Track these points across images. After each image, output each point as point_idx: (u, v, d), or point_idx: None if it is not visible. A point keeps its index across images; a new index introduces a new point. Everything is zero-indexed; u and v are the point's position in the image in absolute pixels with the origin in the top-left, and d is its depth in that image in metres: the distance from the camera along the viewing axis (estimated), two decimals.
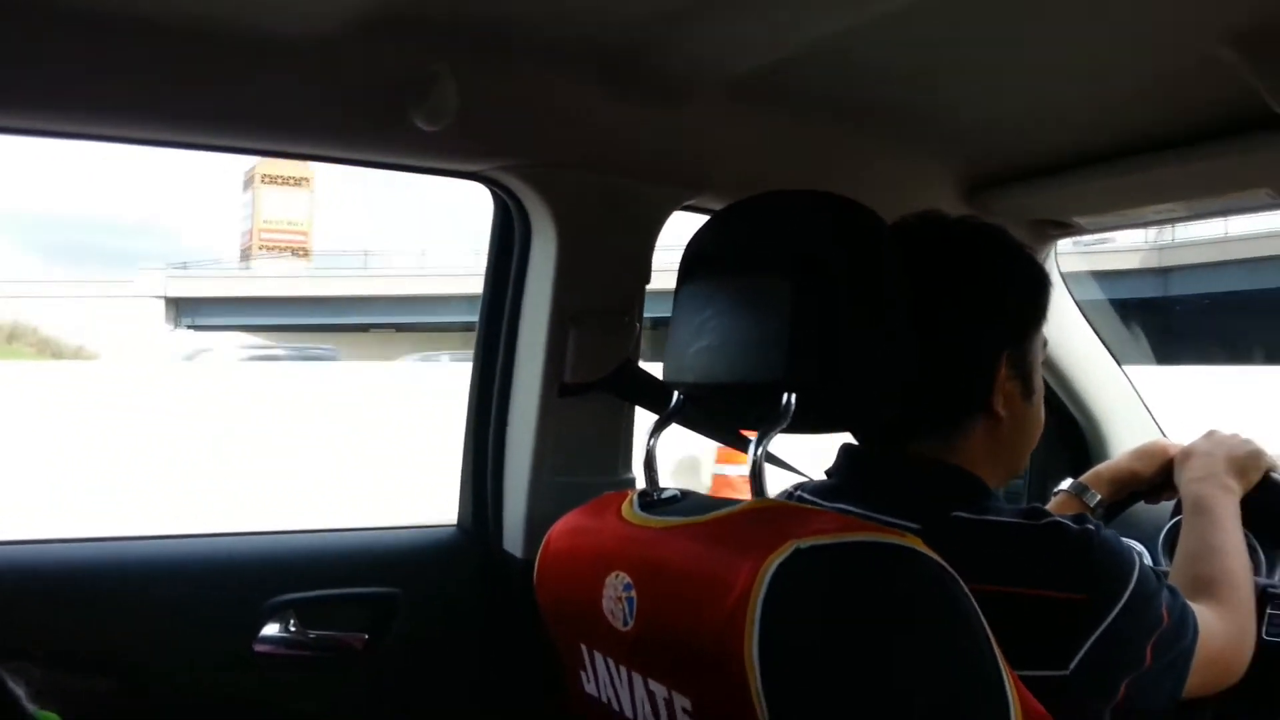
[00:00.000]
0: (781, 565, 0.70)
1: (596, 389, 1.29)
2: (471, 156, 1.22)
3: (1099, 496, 1.31)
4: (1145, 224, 1.40)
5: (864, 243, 0.87)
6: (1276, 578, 1.39)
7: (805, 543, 0.71)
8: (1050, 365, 1.72)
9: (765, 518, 0.79)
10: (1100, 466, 1.37)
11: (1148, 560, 1.50)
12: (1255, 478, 1.24)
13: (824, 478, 1.03)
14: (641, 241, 1.30)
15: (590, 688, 0.93)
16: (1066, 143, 1.26)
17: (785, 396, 0.82)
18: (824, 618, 0.70)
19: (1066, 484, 1.37)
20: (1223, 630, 0.98)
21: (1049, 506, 1.33)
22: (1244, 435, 1.30)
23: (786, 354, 0.82)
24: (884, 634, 0.71)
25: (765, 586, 0.69)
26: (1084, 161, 1.27)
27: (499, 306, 1.36)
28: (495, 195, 1.33)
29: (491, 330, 1.37)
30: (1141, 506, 1.42)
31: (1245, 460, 1.24)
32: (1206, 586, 1.05)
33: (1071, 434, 1.82)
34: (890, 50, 1.08)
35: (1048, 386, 1.75)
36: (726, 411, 1.04)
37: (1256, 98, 0.96)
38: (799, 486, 1.05)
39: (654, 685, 0.82)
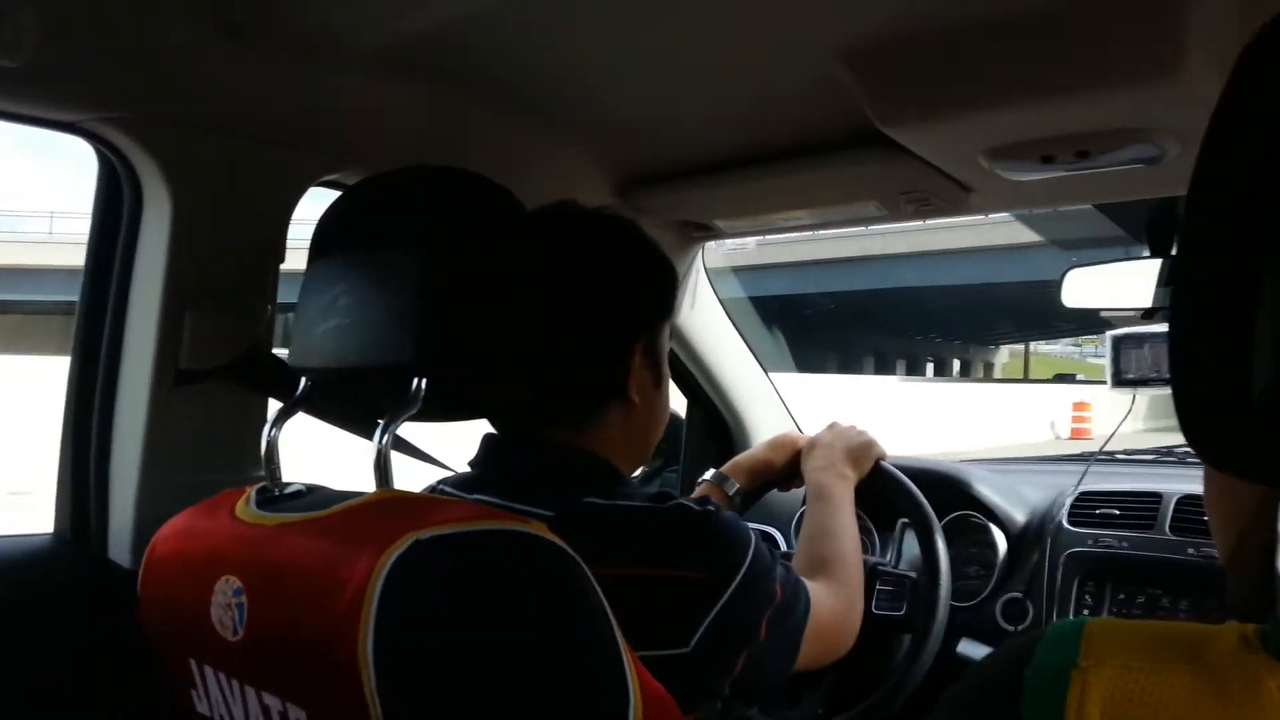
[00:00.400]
0: (399, 558, 0.66)
1: (218, 376, 1.16)
2: (62, 103, 1.04)
3: (737, 485, 1.39)
4: (777, 230, 1.50)
5: (498, 225, 0.85)
6: (888, 557, 1.53)
7: (425, 534, 0.67)
8: (700, 363, 1.81)
9: (388, 510, 0.75)
10: (739, 457, 1.45)
11: (783, 543, 1.61)
12: (868, 466, 1.36)
13: (469, 470, 1.00)
14: (275, 216, 1.19)
15: (202, 707, 0.84)
16: (704, 147, 1.31)
17: (415, 381, 0.78)
18: (439, 609, 0.67)
19: (709, 474, 1.43)
20: (833, 605, 1.06)
21: (694, 496, 1.38)
22: (859, 427, 1.43)
23: (416, 336, 0.78)
24: (500, 623, 0.68)
25: (381, 582, 0.65)
26: (720, 167, 1.33)
27: (104, 283, 1.18)
28: (100, 153, 1.16)
29: (95, 310, 1.18)
30: (777, 494, 1.52)
31: (859, 450, 1.36)
32: (822, 565, 1.13)
33: (719, 428, 1.91)
34: (542, 36, 1.06)
35: (698, 383, 1.85)
36: (358, 398, 0.98)
37: (866, 114, 1.04)
38: (444, 480, 1.02)
39: (268, 698, 0.76)
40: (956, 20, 0.89)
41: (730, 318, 1.85)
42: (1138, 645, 0.37)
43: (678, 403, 1.99)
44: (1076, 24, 0.84)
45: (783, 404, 1.95)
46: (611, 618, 0.71)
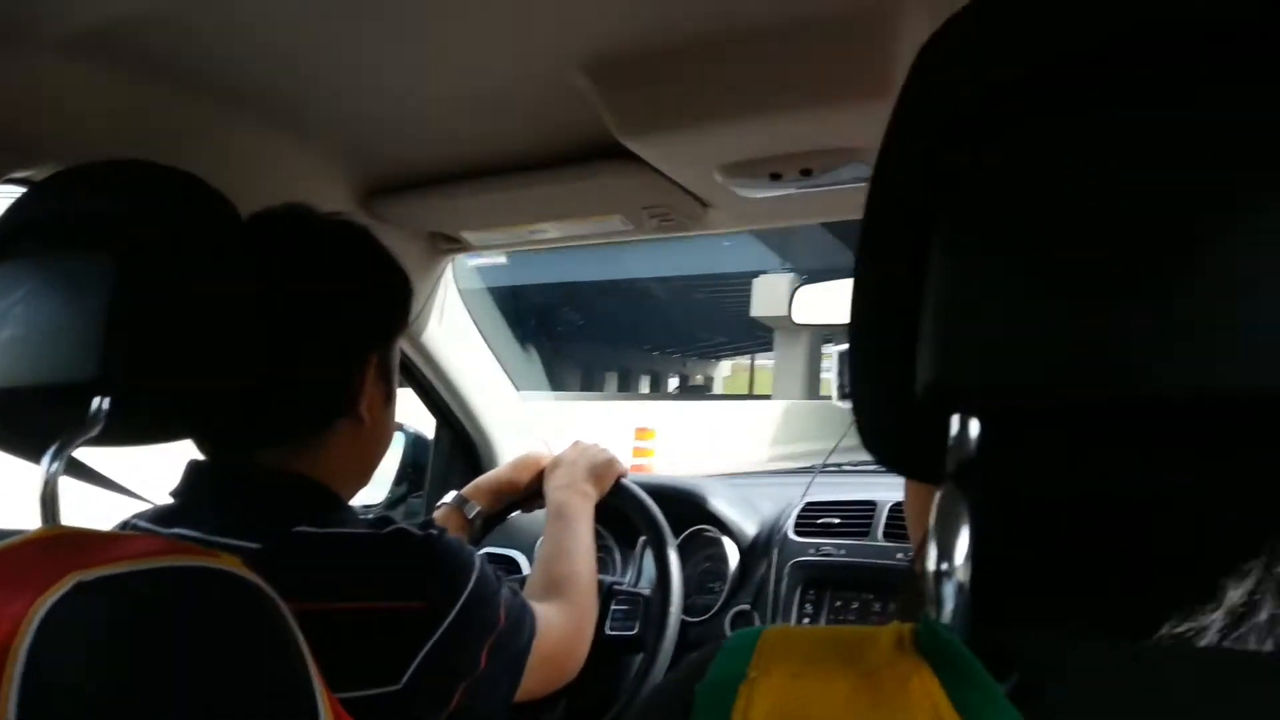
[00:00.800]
0: (55, 604, 0.57)
1: None
2: None
3: (479, 507, 1.35)
4: (527, 244, 1.47)
5: (200, 225, 0.77)
6: (628, 575, 1.54)
7: (90, 574, 0.59)
8: (449, 382, 1.75)
9: (51, 548, 0.65)
10: (481, 478, 1.41)
11: (525, 567, 1.58)
12: (610, 483, 1.37)
13: (170, 500, 0.90)
14: None
15: None
16: (449, 155, 1.27)
17: (96, 401, 0.70)
18: (100, 664, 0.58)
19: (449, 497, 1.38)
20: (561, 627, 1.03)
21: (431, 519, 1.33)
22: (602, 445, 1.43)
23: (98, 349, 0.69)
24: (173, 678, 0.60)
25: (31, 633, 0.56)
26: (465, 176, 1.29)
27: None
28: None
29: None
30: (523, 516, 1.49)
31: (602, 468, 1.36)
32: (555, 586, 1.10)
33: (467, 450, 1.86)
34: (266, 25, 0.98)
35: (446, 403, 1.79)
36: (31, 421, 0.86)
37: (607, 125, 1.03)
38: (139, 514, 0.91)
39: None
40: (689, 35, 0.91)
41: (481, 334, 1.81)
42: (805, 652, 0.38)
43: (426, 424, 1.92)
44: (797, 45, 0.87)
45: (534, 422, 1.93)
46: (309, 661, 0.64)
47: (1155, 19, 0.34)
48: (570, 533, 1.21)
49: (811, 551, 1.43)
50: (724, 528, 1.50)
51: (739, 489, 1.62)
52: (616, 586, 1.39)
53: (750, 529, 1.52)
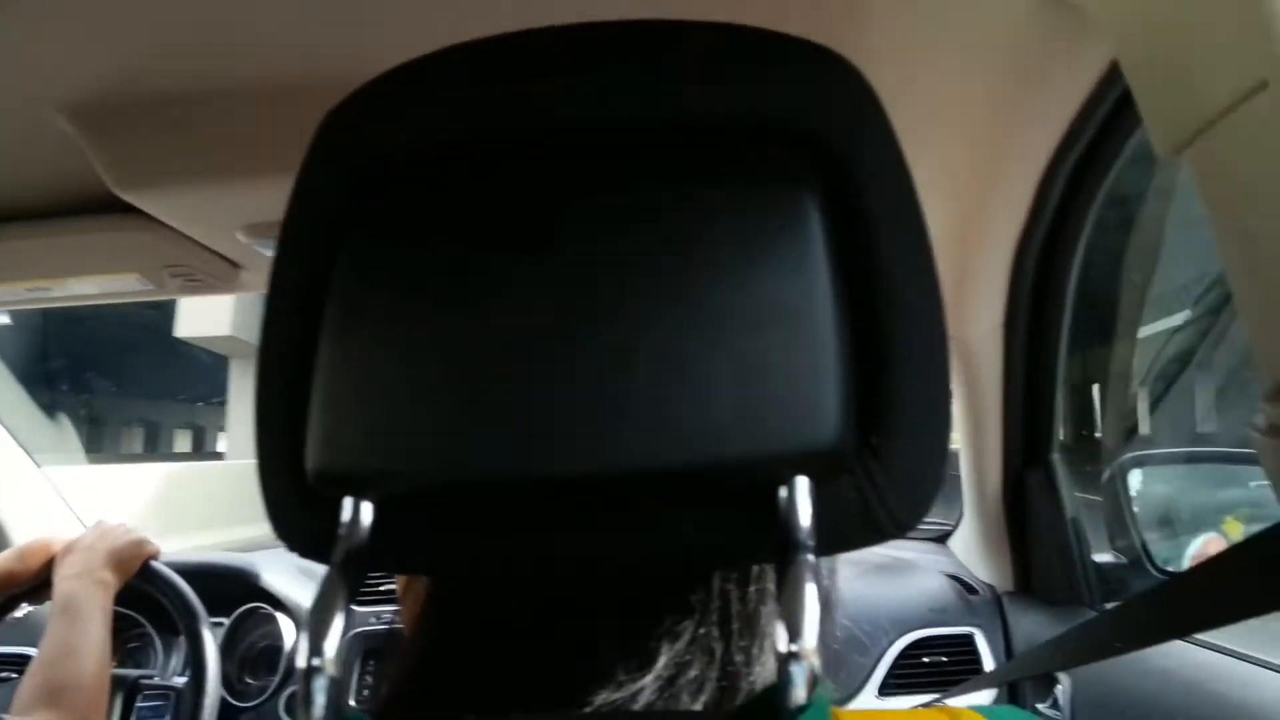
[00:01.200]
0: None
1: None
2: None
3: None
4: (27, 304, 1.29)
5: None
6: (171, 664, 1.39)
7: None
8: None
9: None
10: None
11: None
12: (136, 567, 1.23)
13: None
14: None
15: None
16: None
17: None
18: None
19: None
20: None
21: None
22: (129, 525, 1.29)
23: None
24: None
25: None
26: None
27: None
28: None
29: None
30: (44, 609, 1.30)
31: (125, 550, 1.22)
32: (51, 694, 0.97)
33: None
34: None
35: None
36: None
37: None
38: None
39: None
40: (191, 87, 0.85)
41: None
42: None
43: None
44: (304, 107, 0.85)
45: (60, 499, 1.69)
46: None
47: (499, 123, 0.36)
48: (76, 628, 1.07)
49: (373, 620, 1.39)
50: (278, 604, 1.41)
51: (298, 560, 1.53)
52: (144, 680, 1.25)
53: (309, 602, 1.44)
